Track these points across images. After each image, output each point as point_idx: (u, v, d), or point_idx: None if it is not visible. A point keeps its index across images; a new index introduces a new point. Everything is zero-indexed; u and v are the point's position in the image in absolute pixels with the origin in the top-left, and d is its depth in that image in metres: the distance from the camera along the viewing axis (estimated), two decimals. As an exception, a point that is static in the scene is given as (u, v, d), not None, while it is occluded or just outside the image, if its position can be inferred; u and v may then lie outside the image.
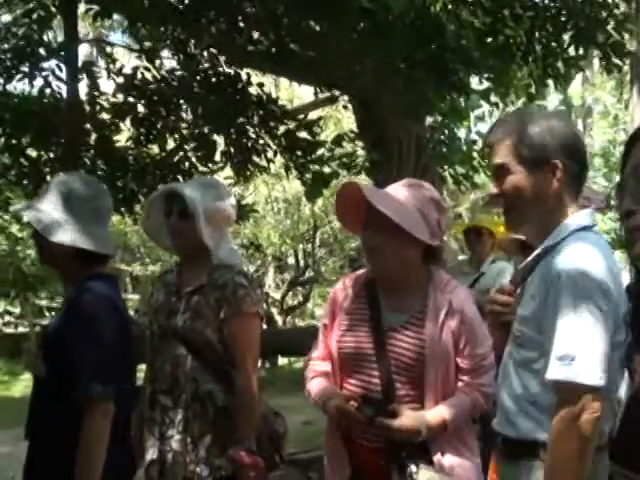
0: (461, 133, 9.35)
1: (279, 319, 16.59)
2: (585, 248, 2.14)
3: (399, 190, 2.69)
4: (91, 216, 2.75)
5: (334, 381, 2.77)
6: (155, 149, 7.85)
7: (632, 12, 9.68)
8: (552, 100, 22.27)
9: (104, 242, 2.76)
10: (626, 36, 6.38)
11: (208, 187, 3.21)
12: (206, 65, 7.45)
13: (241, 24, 6.60)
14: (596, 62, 6.89)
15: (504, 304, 2.37)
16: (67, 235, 2.67)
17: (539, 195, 2.24)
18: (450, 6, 5.21)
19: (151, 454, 3.04)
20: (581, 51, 5.86)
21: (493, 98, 8.14)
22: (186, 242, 3.13)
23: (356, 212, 2.72)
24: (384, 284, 2.74)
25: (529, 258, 2.32)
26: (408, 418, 2.54)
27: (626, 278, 2.34)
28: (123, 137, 7.78)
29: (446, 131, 8.37)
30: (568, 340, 2.06)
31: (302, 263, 17.88)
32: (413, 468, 2.56)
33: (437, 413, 2.58)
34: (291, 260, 19.18)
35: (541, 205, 2.25)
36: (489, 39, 5.81)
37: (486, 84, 7.30)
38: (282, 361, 14.53)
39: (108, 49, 8.86)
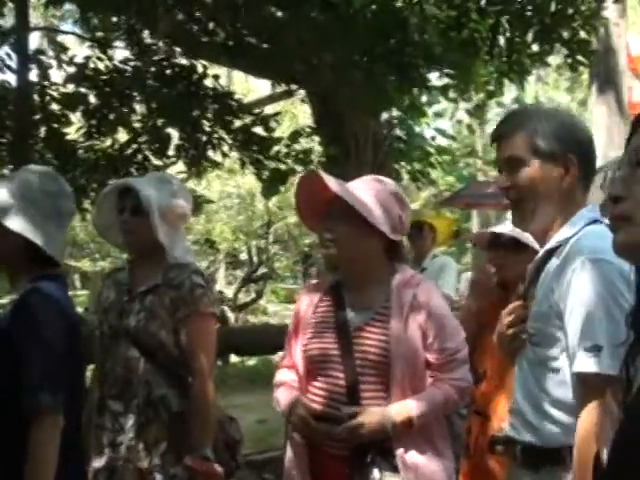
0: (419, 129, 9.36)
1: (231, 316, 16.45)
2: (604, 240, 2.05)
3: (362, 184, 2.68)
4: (51, 214, 2.55)
5: (300, 387, 2.71)
6: (107, 142, 7.65)
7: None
8: (504, 99, 22.46)
9: (58, 246, 2.56)
10: (596, 32, 6.42)
11: (163, 183, 3.10)
12: (161, 56, 7.28)
13: (198, 14, 6.44)
14: (550, 60, 6.89)
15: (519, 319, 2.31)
16: (21, 223, 2.46)
17: (552, 190, 2.20)
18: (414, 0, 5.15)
19: (98, 462, 2.90)
20: (546, 47, 5.84)
21: (452, 94, 8.14)
22: (139, 239, 3.01)
23: (315, 205, 2.71)
24: (347, 278, 2.71)
25: (540, 253, 2.26)
26: (371, 415, 2.49)
27: None
28: (73, 129, 7.57)
29: (403, 127, 8.33)
30: (595, 330, 1.99)
31: (255, 259, 17.77)
32: (377, 475, 2.48)
33: (402, 408, 2.52)
34: (244, 256, 19.08)
35: (553, 200, 2.20)
36: (453, 33, 5.76)
37: (445, 80, 7.26)
38: (234, 359, 14.42)
39: (59, 38, 8.64)
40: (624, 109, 9.69)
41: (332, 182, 2.60)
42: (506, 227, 3.16)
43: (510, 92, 20.73)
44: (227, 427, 3.10)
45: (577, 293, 2.04)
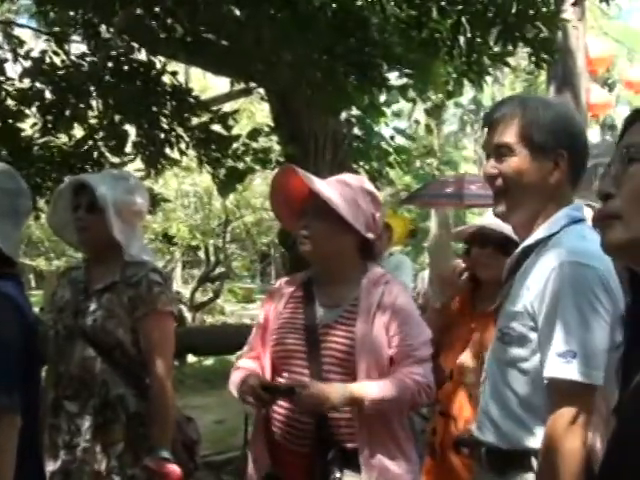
0: (378, 129, 9.37)
1: (188, 316, 16.34)
2: (585, 241, 2.06)
3: (336, 182, 2.68)
4: (8, 213, 2.44)
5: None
6: (63, 138, 7.52)
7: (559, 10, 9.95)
8: (462, 100, 22.62)
9: (14, 245, 2.47)
10: (560, 31, 6.47)
11: (119, 179, 3.06)
12: (118, 51, 7.17)
13: (156, 9, 6.35)
14: (509, 61, 6.94)
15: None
16: None
17: (539, 183, 2.16)
18: (374, -1, 5.14)
19: (53, 465, 2.86)
20: (509, 47, 5.86)
21: (411, 94, 8.15)
22: (94, 237, 2.97)
23: (289, 202, 2.73)
24: (319, 275, 2.72)
25: (518, 249, 2.23)
26: (321, 388, 2.47)
27: None
28: (27, 125, 7.42)
29: (362, 126, 8.32)
30: (569, 335, 1.96)
31: (213, 259, 17.67)
32: (337, 474, 2.48)
33: (356, 387, 2.50)
34: (201, 255, 18.95)
35: (538, 193, 2.17)
36: (413, 33, 5.75)
37: (405, 80, 7.26)
38: (192, 359, 14.32)
39: (16, 32, 8.46)
40: (582, 110, 9.80)
41: (309, 179, 2.61)
42: (490, 220, 3.03)
43: (468, 93, 20.91)
44: (185, 428, 3.08)
45: (554, 296, 2.01)
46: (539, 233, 2.16)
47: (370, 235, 2.66)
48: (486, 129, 2.31)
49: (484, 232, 3.13)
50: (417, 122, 10.39)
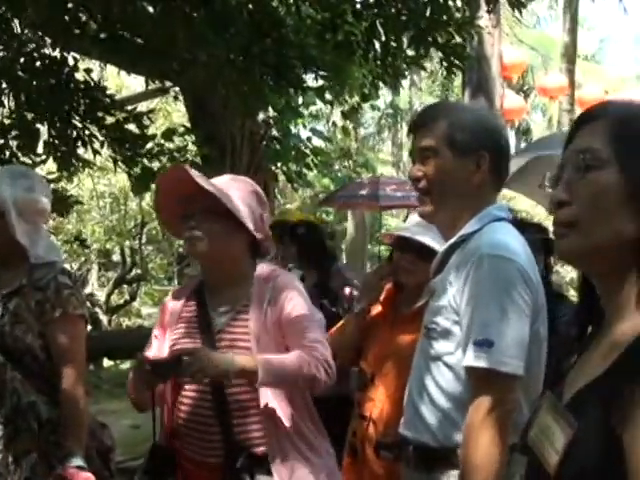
0: (296, 130, 9.40)
1: (104, 319, 16.07)
2: (502, 235, 2.14)
3: (224, 182, 2.66)
4: None
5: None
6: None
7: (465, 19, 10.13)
8: (379, 103, 22.85)
9: None
10: (472, 38, 6.58)
11: (17, 177, 2.95)
12: (30, 47, 6.99)
13: (69, 4, 6.21)
14: (426, 65, 7.05)
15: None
16: None
17: (462, 182, 2.23)
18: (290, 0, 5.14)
19: None
20: (422, 51, 5.96)
21: (328, 96, 8.20)
22: None
23: (172, 202, 2.66)
24: (210, 279, 2.71)
25: (444, 247, 2.29)
26: (210, 356, 2.42)
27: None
28: None
29: (279, 127, 8.34)
30: (487, 325, 2.01)
31: (129, 260, 17.41)
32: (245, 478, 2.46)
33: (249, 358, 2.45)
34: (117, 257, 18.66)
35: (461, 193, 2.23)
36: (328, 35, 5.78)
37: (321, 82, 7.30)
38: (108, 363, 14.11)
39: None
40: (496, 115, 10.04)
41: (201, 178, 2.56)
42: (411, 228, 3.11)
43: (386, 96, 21.16)
44: (99, 434, 3.02)
45: (474, 288, 2.07)
46: (463, 231, 2.23)
47: (259, 235, 2.66)
48: (412, 135, 2.40)
49: (405, 238, 3.17)
50: (334, 124, 10.47)
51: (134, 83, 13.94)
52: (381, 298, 3.53)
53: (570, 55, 14.10)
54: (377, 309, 3.49)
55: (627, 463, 1.07)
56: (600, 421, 1.13)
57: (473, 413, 1.99)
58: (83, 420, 2.85)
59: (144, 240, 17.50)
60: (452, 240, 2.25)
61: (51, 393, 2.83)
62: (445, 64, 5.86)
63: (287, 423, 2.52)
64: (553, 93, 11.49)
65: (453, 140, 2.23)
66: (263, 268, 2.69)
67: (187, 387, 2.60)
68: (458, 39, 5.77)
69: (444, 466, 2.13)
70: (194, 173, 2.56)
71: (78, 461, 2.74)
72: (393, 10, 5.53)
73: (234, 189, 2.63)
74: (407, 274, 3.15)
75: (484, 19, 9.64)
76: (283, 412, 2.52)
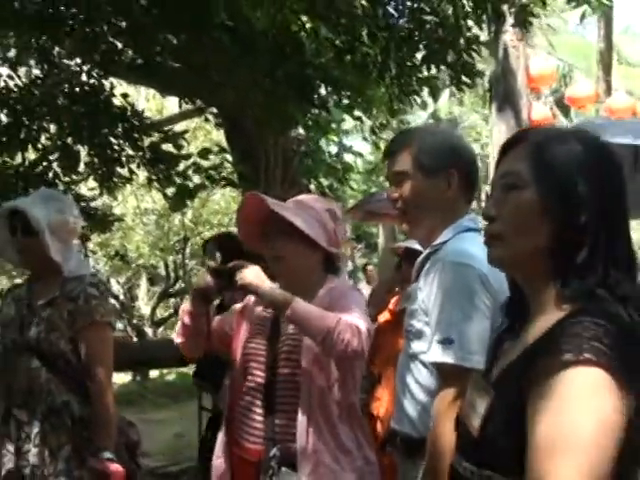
0: (329, 147, 9.59)
1: (149, 331, 16.40)
2: (466, 244, 2.32)
3: (298, 203, 2.84)
4: None
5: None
6: (18, 159, 7.67)
7: (491, 35, 10.26)
8: (422, 115, 22.96)
9: None
10: (478, 57, 6.71)
11: (50, 200, 3.22)
12: (70, 74, 7.34)
13: (105, 36, 6.54)
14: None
15: None
16: None
17: (434, 200, 2.43)
18: (309, 24, 5.37)
19: (7, 468, 3.03)
20: (433, 71, 6.16)
21: (357, 112, 8.40)
22: (33, 258, 3.16)
23: (254, 226, 2.86)
24: (285, 289, 2.78)
25: (420, 257, 2.49)
26: (258, 274, 2.67)
27: None
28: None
29: (310, 144, 8.54)
30: (448, 325, 2.20)
31: (173, 275, 17.72)
32: (274, 468, 2.65)
33: (287, 294, 2.63)
34: (162, 272, 18.94)
35: (435, 209, 2.43)
36: (347, 57, 6.00)
37: (345, 101, 7.50)
38: (153, 374, 14.38)
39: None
40: (524, 127, 10.09)
41: (274, 204, 2.75)
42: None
43: (429, 108, 21.22)
44: (127, 430, 3.26)
45: (437, 292, 2.27)
46: (436, 241, 2.44)
47: (333, 249, 2.83)
48: (386, 161, 2.61)
49: (411, 250, 3.38)
50: (365, 139, 10.63)
51: (174, 104, 14.30)
52: (390, 307, 3.78)
53: (605, 62, 13.92)
54: (385, 316, 3.73)
55: (527, 427, 1.28)
56: (514, 388, 1.34)
57: (437, 403, 2.20)
58: (112, 417, 3.08)
59: (187, 254, 17.78)
60: (427, 250, 2.46)
61: (83, 393, 3.06)
62: (455, 82, 6.05)
63: (324, 424, 2.67)
64: (582, 102, 11.34)
65: (421, 163, 2.43)
66: (330, 282, 2.84)
67: (244, 389, 2.81)
68: (467, 58, 5.95)
69: (423, 454, 2.26)
70: (270, 201, 2.74)
71: (108, 454, 2.99)
72: (405, 31, 5.74)
73: (308, 208, 2.79)
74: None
75: (509, 32, 9.81)
76: (321, 413, 2.67)
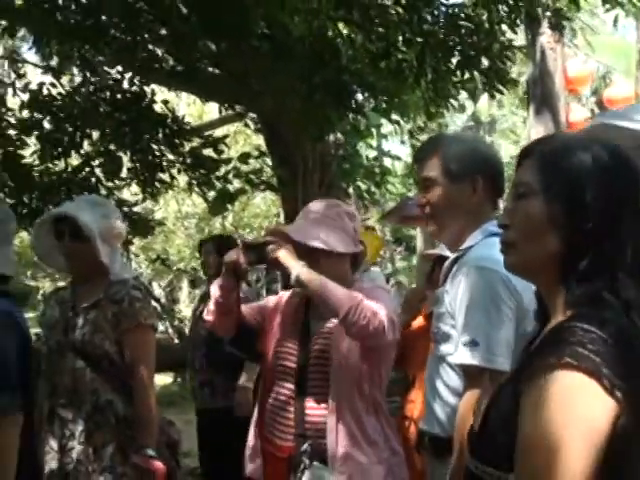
0: (367, 150, 9.64)
1: (190, 334, 16.47)
2: (492, 248, 2.31)
3: (315, 220, 2.92)
4: (4, 238, 2.84)
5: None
6: (61, 165, 7.85)
7: (528, 38, 10.24)
8: (461, 116, 22.89)
9: (8, 263, 2.85)
10: (514, 61, 6.75)
11: (96, 206, 3.30)
12: (111, 82, 7.50)
13: (145, 44, 6.68)
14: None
15: None
16: None
17: (459, 205, 2.51)
18: (345, 31, 5.44)
19: (50, 468, 3.10)
20: (467, 75, 6.20)
21: (394, 116, 8.45)
22: (81, 262, 3.23)
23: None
24: None
25: (447, 261, 2.58)
26: (288, 252, 2.73)
27: None
28: (28, 153, 7.73)
29: (348, 148, 8.60)
30: (473, 328, 2.28)
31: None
32: (306, 463, 2.75)
33: (313, 272, 2.70)
34: (203, 275, 19.02)
35: (461, 214, 2.51)
36: (382, 63, 6.06)
37: (382, 105, 7.55)
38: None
39: (18, 65, 8.80)
40: (561, 129, 10.04)
41: (297, 235, 2.84)
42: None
43: (468, 109, 21.16)
44: (167, 429, 3.35)
45: (463, 296, 2.35)
46: (463, 245, 2.51)
47: (357, 248, 2.95)
48: (416, 167, 2.69)
49: (443, 257, 3.45)
50: (403, 143, 10.66)
51: (214, 108, 14.45)
52: (423, 312, 3.85)
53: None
54: (419, 321, 3.80)
55: (518, 424, 1.33)
56: (512, 387, 1.40)
57: (463, 404, 2.27)
58: (154, 416, 3.16)
59: (228, 258, 17.81)
60: (455, 254, 2.54)
61: (126, 392, 3.13)
62: (487, 87, 6.09)
63: (351, 419, 2.76)
64: (621, 103, 11.28)
65: (448, 169, 2.52)
66: (358, 284, 2.95)
67: (275, 388, 2.91)
68: (499, 64, 5.98)
69: (451, 453, 2.34)
70: (292, 235, 2.84)
71: (151, 452, 3.07)
72: (440, 37, 5.79)
73: (326, 219, 2.89)
74: None
75: (546, 34, 9.79)
76: (349, 408, 2.76)
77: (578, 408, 1.25)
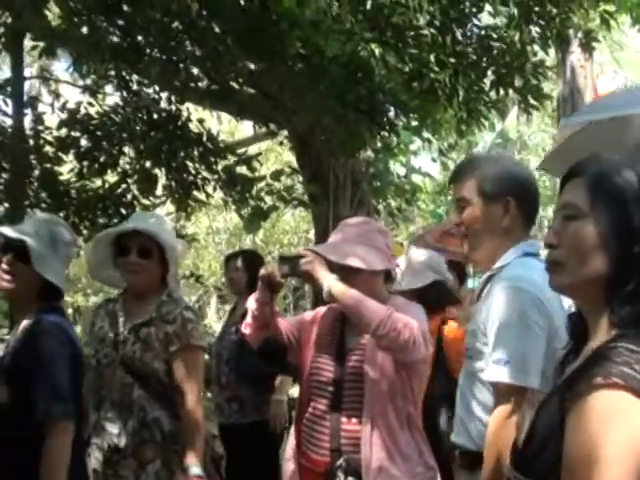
0: (398, 168, 9.70)
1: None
2: (524, 268, 2.46)
3: (351, 242, 2.96)
4: (65, 259, 3.00)
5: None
6: (97, 182, 7.97)
7: (558, 56, 10.27)
8: (490, 134, 22.81)
9: (64, 281, 3.00)
10: (545, 79, 6.79)
11: (162, 224, 3.36)
12: (148, 101, 7.63)
13: (182, 64, 6.80)
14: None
15: None
16: (51, 272, 2.89)
17: (492, 225, 2.58)
18: (377, 51, 5.52)
19: (95, 478, 3.15)
20: (501, 95, 6.26)
21: (425, 134, 8.51)
22: (146, 280, 3.26)
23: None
24: None
25: (481, 280, 2.65)
26: (319, 265, 2.81)
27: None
28: (65, 170, 7.86)
29: (379, 166, 8.67)
30: (504, 346, 2.34)
31: (242, 293, 17.82)
32: (341, 478, 2.81)
33: (345, 286, 2.77)
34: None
35: (493, 234, 2.58)
36: (415, 83, 6.13)
37: (414, 123, 7.61)
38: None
39: (53, 85, 8.96)
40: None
41: (328, 253, 2.90)
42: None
43: (488, 131, 21.08)
44: (211, 443, 3.38)
45: (495, 314, 2.41)
46: (496, 264, 2.57)
47: (391, 264, 3.03)
48: (452, 186, 2.76)
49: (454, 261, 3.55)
50: (434, 160, 10.71)
51: (247, 126, 14.58)
52: None
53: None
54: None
55: (564, 441, 1.38)
56: (555, 406, 1.45)
57: (493, 420, 2.34)
58: (201, 434, 3.17)
59: (258, 273, 17.88)
60: (488, 273, 2.60)
61: (172, 409, 3.16)
62: (522, 105, 6.14)
63: (385, 434, 2.82)
64: None
65: (482, 190, 2.58)
66: (395, 298, 3.01)
67: (312, 403, 2.97)
68: (533, 81, 6.03)
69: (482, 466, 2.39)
70: (328, 256, 2.88)
71: (197, 470, 3.07)
72: (474, 57, 5.85)
73: (360, 238, 2.94)
74: None
75: (576, 52, 9.83)
76: (383, 423, 2.83)
77: (625, 426, 1.30)
